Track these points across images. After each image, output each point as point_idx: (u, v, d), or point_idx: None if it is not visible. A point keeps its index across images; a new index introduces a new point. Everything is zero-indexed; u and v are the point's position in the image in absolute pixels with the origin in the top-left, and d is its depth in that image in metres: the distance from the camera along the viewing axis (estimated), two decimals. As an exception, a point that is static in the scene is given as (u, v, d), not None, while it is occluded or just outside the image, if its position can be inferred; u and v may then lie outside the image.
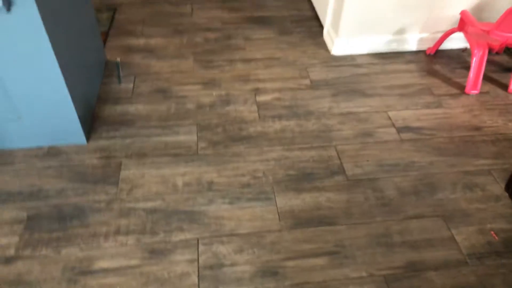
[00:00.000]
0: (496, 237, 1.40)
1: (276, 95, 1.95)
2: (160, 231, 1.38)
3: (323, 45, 2.27)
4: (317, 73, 2.08)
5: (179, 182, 1.54)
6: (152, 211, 1.44)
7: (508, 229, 1.42)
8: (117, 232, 1.37)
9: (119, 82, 1.97)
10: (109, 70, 2.04)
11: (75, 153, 1.63)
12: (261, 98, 1.92)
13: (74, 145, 1.66)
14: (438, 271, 1.31)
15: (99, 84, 1.95)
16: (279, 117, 1.83)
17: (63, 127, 1.59)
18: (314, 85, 2.01)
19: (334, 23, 2.18)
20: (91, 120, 1.75)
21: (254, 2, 2.61)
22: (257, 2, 2.61)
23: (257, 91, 1.96)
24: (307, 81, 2.03)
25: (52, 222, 1.40)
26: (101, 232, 1.37)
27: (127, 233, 1.37)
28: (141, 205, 1.46)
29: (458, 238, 1.40)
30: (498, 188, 1.56)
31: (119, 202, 1.46)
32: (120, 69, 2.04)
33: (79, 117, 1.58)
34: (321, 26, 2.42)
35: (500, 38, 1.83)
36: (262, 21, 2.44)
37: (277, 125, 1.79)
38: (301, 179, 1.57)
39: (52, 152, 1.63)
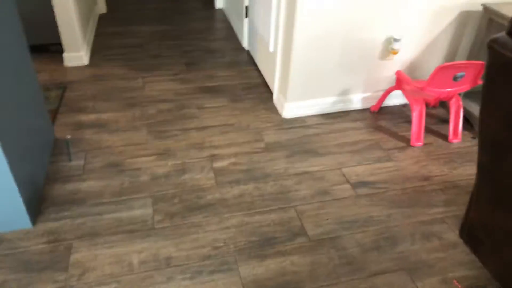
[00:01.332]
0: (460, 286, 1.41)
1: (233, 160, 1.96)
2: (115, 318, 1.27)
3: (274, 109, 2.36)
4: (271, 136, 2.13)
5: (135, 260, 1.45)
6: (106, 296, 1.33)
7: (469, 276, 1.44)
8: (67, 324, 1.25)
9: (70, 159, 1.91)
10: (59, 148, 1.98)
11: (20, 239, 1.51)
12: (218, 164, 1.92)
13: (19, 230, 1.55)
14: (409, 328, 1.28)
15: (48, 163, 1.88)
16: (237, 182, 1.82)
17: (6, 212, 1.49)
18: (269, 148, 2.05)
19: (282, 89, 2.29)
20: (38, 202, 1.65)
21: (204, 74, 2.70)
22: (207, 74, 2.71)
23: (213, 158, 1.96)
24: (261, 144, 2.07)
25: (-9, 321, 1.25)
26: (48, 327, 1.24)
27: (78, 324, 1.25)
28: (94, 290, 1.35)
29: (423, 291, 1.39)
30: (453, 235, 1.60)
31: (69, 289, 1.35)
32: (70, 146, 1.98)
33: (24, 200, 1.49)
34: (270, 92, 2.52)
35: (433, 94, 1.98)
36: (214, 90, 2.52)
37: (235, 190, 1.78)
38: (263, 245, 1.53)
39: (-6, 240, 1.51)
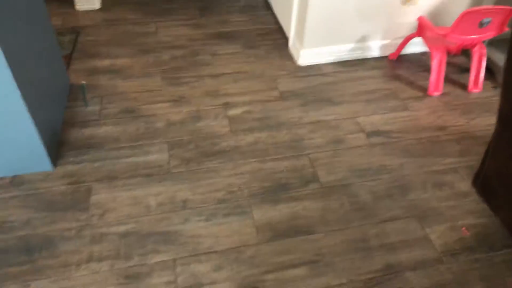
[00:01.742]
0: (468, 233, 1.44)
1: (247, 108, 1.95)
2: (135, 255, 1.34)
3: (289, 57, 2.31)
4: (285, 84, 2.10)
5: (152, 202, 1.51)
6: (126, 234, 1.40)
7: (478, 224, 1.46)
8: (90, 259, 1.33)
9: (86, 105, 1.93)
10: (74, 94, 2.00)
11: (41, 181, 1.57)
12: (232, 112, 1.92)
13: (40, 172, 1.60)
14: (416, 271, 1.32)
15: (64, 108, 1.90)
16: (251, 130, 1.83)
17: (27, 155, 1.54)
18: (283, 96, 2.03)
19: (298, 35, 2.22)
20: (57, 146, 1.70)
21: (218, 19, 2.63)
22: (221, 18, 2.63)
23: (227, 106, 1.96)
24: (276, 93, 2.05)
25: (19, 255, 1.34)
26: (72, 261, 1.32)
27: (100, 259, 1.33)
28: (114, 229, 1.42)
29: (432, 237, 1.42)
30: (465, 185, 1.60)
31: (90, 228, 1.42)
32: (86, 91, 2.00)
33: (44, 144, 1.53)
34: (286, 38, 2.45)
35: (456, 41, 1.90)
36: (227, 36, 2.46)
37: (250, 138, 1.79)
38: (276, 190, 1.57)
39: (16, 181, 1.57)
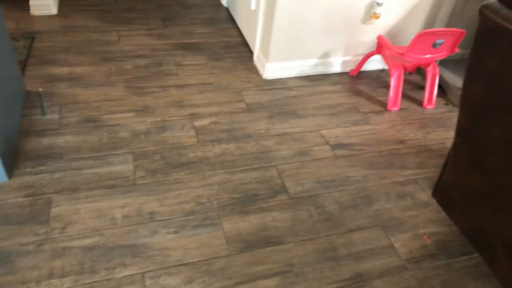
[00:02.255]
0: (429, 240, 1.51)
1: (214, 119, 1.94)
2: (101, 269, 1.28)
3: (254, 70, 2.34)
4: (252, 97, 2.12)
5: (118, 215, 1.45)
6: (90, 248, 1.33)
7: (439, 232, 1.54)
8: (51, 275, 1.24)
9: (43, 113, 1.83)
10: (31, 101, 1.89)
11: (-5, 192, 1.46)
12: (199, 123, 1.91)
13: (-7, 184, 1.50)
14: (382, 278, 1.37)
15: (20, 116, 1.79)
16: (219, 141, 1.82)
17: (-20, 165, 1.43)
18: (250, 108, 2.04)
19: (263, 49, 2.26)
20: (12, 155, 1.59)
21: (182, 30, 2.62)
22: (185, 29, 2.62)
23: (193, 116, 1.94)
24: (242, 105, 2.06)
25: (-30, 273, 1.23)
26: (31, 278, 1.23)
27: (62, 275, 1.25)
28: (77, 243, 1.34)
29: (396, 245, 1.48)
30: (425, 195, 1.69)
31: (50, 242, 1.33)
32: (44, 99, 1.90)
33: (-1, 153, 1.43)
34: (251, 52, 2.49)
35: (412, 60, 2.02)
36: (192, 48, 2.45)
37: (217, 149, 1.78)
38: (245, 201, 1.56)
39: (-34, 193, 1.45)
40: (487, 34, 0.98)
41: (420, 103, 2.24)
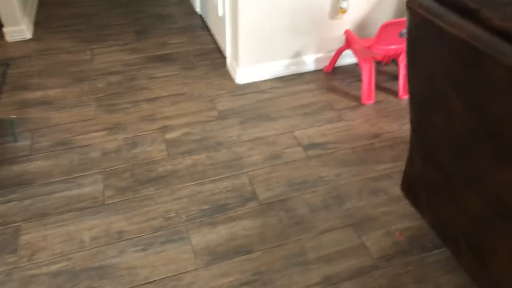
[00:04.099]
0: (401, 236, 1.49)
1: (185, 130, 1.94)
2: (67, 295, 1.29)
3: (227, 76, 2.33)
4: (224, 103, 2.12)
5: (86, 237, 1.46)
6: (57, 274, 1.34)
7: (411, 227, 1.52)
8: (18, 305, 1.26)
9: (15, 140, 1.85)
10: (3, 129, 1.92)
11: (-34, 225, 1.49)
12: (169, 135, 1.91)
13: (-35, 216, 1.52)
14: (352, 280, 1.35)
15: (-8, 145, 1.82)
16: (189, 152, 1.82)
17: None
18: (222, 116, 2.04)
19: (234, 53, 2.25)
20: (-17, 186, 1.62)
21: (155, 41, 2.62)
22: (158, 41, 2.63)
23: (165, 129, 1.94)
24: (214, 113, 2.05)
25: None
26: (-2, 309, 1.25)
27: (29, 304, 1.26)
28: (44, 269, 1.35)
29: (367, 244, 1.46)
30: (398, 189, 1.66)
31: (19, 271, 1.35)
32: (15, 126, 1.92)
33: (-35, 186, 1.45)
34: (224, 58, 2.48)
35: (381, 52, 1.99)
36: (165, 59, 2.46)
37: (188, 160, 1.78)
38: (215, 212, 1.56)
39: None
40: (416, 28, 0.96)
41: (396, 94, 2.21)
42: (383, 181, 1.71)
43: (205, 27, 2.79)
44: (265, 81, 2.29)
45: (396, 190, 1.66)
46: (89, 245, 1.43)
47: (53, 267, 1.36)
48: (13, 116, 1.97)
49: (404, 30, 1.90)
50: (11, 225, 1.49)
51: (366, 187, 1.68)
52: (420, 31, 0.94)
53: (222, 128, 1.97)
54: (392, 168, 1.77)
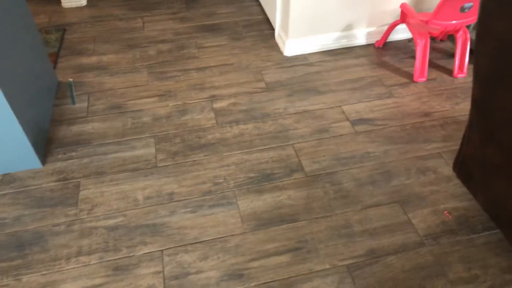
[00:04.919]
0: (450, 216, 1.46)
1: (233, 100, 1.97)
2: (123, 247, 1.37)
3: (275, 47, 2.32)
4: (272, 75, 2.12)
5: (140, 196, 1.54)
6: (114, 228, 1.43)
7: (460, 207, 1.49)
8: (79, 253, 1.36)
9: (73, 102, 1.95)
10: (62, 91, 2.02)
11: (31, 178, 1.60)
12: (218, 104, 1.94)
13: (30, 170, 1.63)
14: (397, 255, 1.36)
15: (52, 106, 1.92)
16: (237, 122, 1.85)
17: (16, 154, 1.56)
18: (269, 87, 2.04)
19: (284, 25, 2.23)
20: (45, 143, 1.72)
21: (205, 11, 2.63)
22: (207, 11, 2.64)
23: (213, 98, 1.98)
24: (262, 84, 2.06)
25: (11, 251, 1.37)
26: (62, 255, 1.35)
27: (89, 253, 1.36)
28: (102, 223, 1.45)
29: (414, 221, 1.45)
30: (448, 169, 1.63)
31: (79, 223, 1.45)
32: (73, 89, 2.01)
33: (32, 142, 1.56)
34: (272, 29, 2.46)
35: (439, 27, 1.91)
36: (214, 29, 2.47)
37: (235, 130, 1.81)
38: (261, 181, 1.59)
39: (7, 179, 1.60)
40: (492, -1, 0.92)
41: (450, 72, 2.13)
42: (433, 160, 1.67)
43: (254, -2, 2.77)
44: (314, 53, 2.26)
45: (446, 170, 1.63)
46: (142, 204, 1.51)
47: (110, 222, 1.45)
48: (71, 79, 2.06)
49: (467, 4, 1.80)
50: (72, 180, 1.59)
51: (414, 165, 1.65)
52: (497, 2, 0.90)
53: (269, 99, 1.97)
54: (442, 148, 1.73)
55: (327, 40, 2.25)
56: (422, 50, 2.01)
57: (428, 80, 2.08)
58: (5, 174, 1.61)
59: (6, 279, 1.29)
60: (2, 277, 1.30)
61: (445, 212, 1.48)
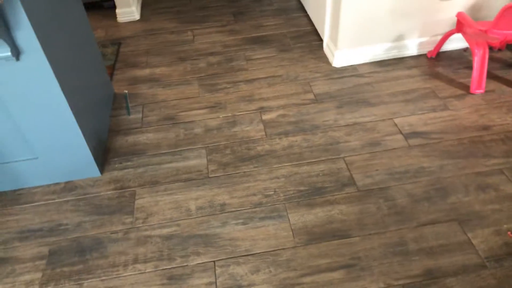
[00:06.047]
0: (514, 237, 1.38)
1: (281, 112, 1.98)
2: (177, 257, 1.41)
3: (324, 58, 2.31)
4: (320, 87, 2.11)
5: (192, 206, 1.57)
6: (168, 237, 1.47)
7: (526, 228, 1.41)
8: (136, 260, 1.40)
9: (128, 113, 2.03)
10: (118, 103, 2.11)
11: (91, 186, 1.68)
12: (267, 116, 1.96)
13: (89, 178, 1.71)
14: (457, 276, 1.30)
15: (109, 117, 2.01)
16: (286, 134, 1.85)
17: (78, 163, 1.65)
18: (318, 99, 2.03)
19: (333, 36, 2.22)
20: (104, 153, 1.80)
21: (252, 23, 2.67)
22: (255, 23, 2.67)
23: (262, 110, 1.99)
24: (310, 96, 2.06)
25: (72, 256, 1.44)
26: (120, 262, 1.40)
27: (145, 261, 1.40)
28: (157, 232, 1.49)
29: (474, 242, 1.39)
30: (511, 187, 1.54)
31: (135, 231, 1.50)
32: (128, 100, 2.10)
33: (92, 152, 1.64)
34: (320, 40, 2.45)
35: (499, 36, 1.83)
36: (262, 41, 2.50)
37: (284, 141, 1.82)
38: (312, 194, 1.58)
39: (69, 187, 1.68)
40: None
41: (510, 83, 2.02)
42: (494, 177, 1.59)
43: (301, 9, 2.78)
44: (363, 64, 2.23)
45: (509, 188, 1.54)
46: (195, 214, 1.54)
47: (165, 231, 1.49)
48: (126, 91, 2.15)
49: (530, 13, 1.72)
50: (128, 189, 1.65)
51: (473, 182, 1.58)
52: None
53: (318, 111, 1.96)
54: (504, 164, 1.64)
55: (377, 51, 2.22)
56: (480, 61, 1.93)
57: (486, 91, 1.99)
58: (67, 182, 1.70)
59: (68, 284, 1.36)
60: (64, 282, 1.36)
61: (509, 232, 1.40)
